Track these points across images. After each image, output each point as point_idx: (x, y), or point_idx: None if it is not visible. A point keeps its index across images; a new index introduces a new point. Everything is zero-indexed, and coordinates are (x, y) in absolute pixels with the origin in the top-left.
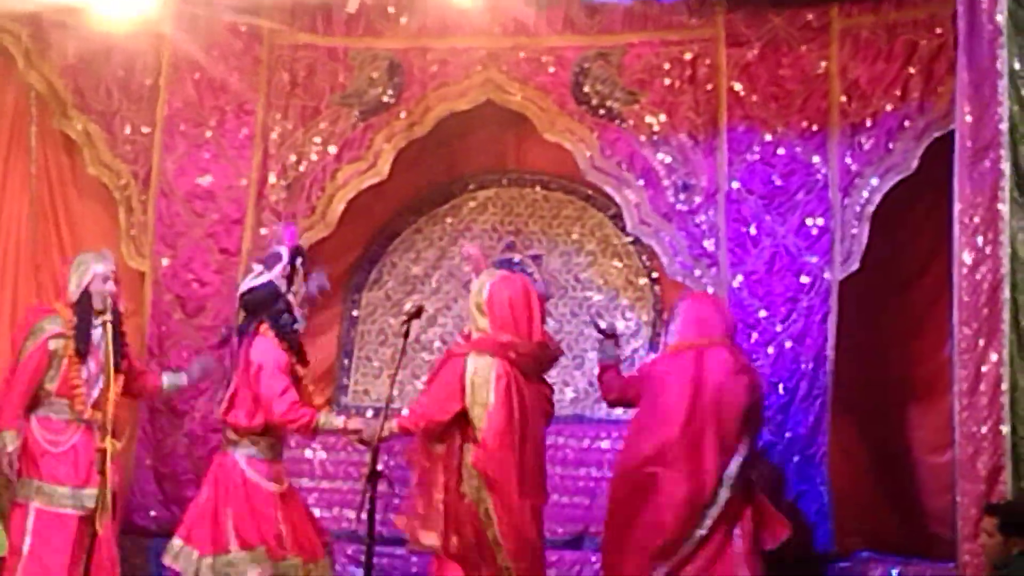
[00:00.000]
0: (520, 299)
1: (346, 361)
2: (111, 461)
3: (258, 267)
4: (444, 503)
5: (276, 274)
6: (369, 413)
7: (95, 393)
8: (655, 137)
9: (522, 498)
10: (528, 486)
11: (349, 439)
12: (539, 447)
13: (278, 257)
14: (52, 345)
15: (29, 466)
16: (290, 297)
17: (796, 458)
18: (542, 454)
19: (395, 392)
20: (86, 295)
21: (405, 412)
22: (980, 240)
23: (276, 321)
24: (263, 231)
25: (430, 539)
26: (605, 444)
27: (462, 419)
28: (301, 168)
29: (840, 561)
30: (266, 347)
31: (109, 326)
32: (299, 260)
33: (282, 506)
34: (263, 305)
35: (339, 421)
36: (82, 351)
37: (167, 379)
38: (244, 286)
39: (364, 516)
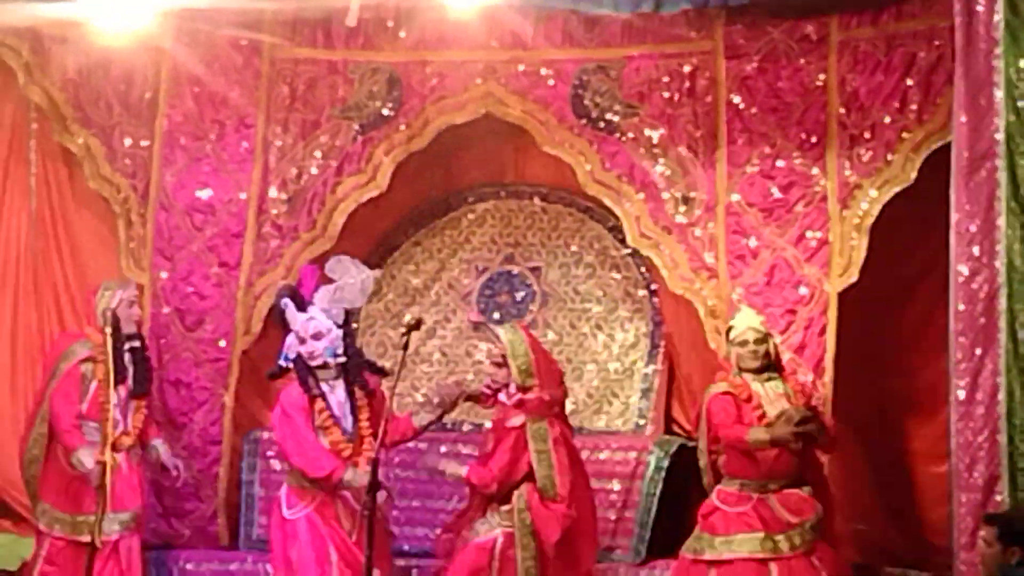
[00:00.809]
0: (550, 358)
1: None
2: (140, 479)
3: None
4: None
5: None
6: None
7: (128, 417)
8: (654, 150)
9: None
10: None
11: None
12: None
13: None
14: (83, 368)
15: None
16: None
17: None
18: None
19: (394, 404)
20: (115, 320)
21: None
22: (976, 250)
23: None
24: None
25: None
26: (604, 455)
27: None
28: (301, 182)
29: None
30: (286, 399)
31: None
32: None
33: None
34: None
35: (364, 476)
36: (117, 375)
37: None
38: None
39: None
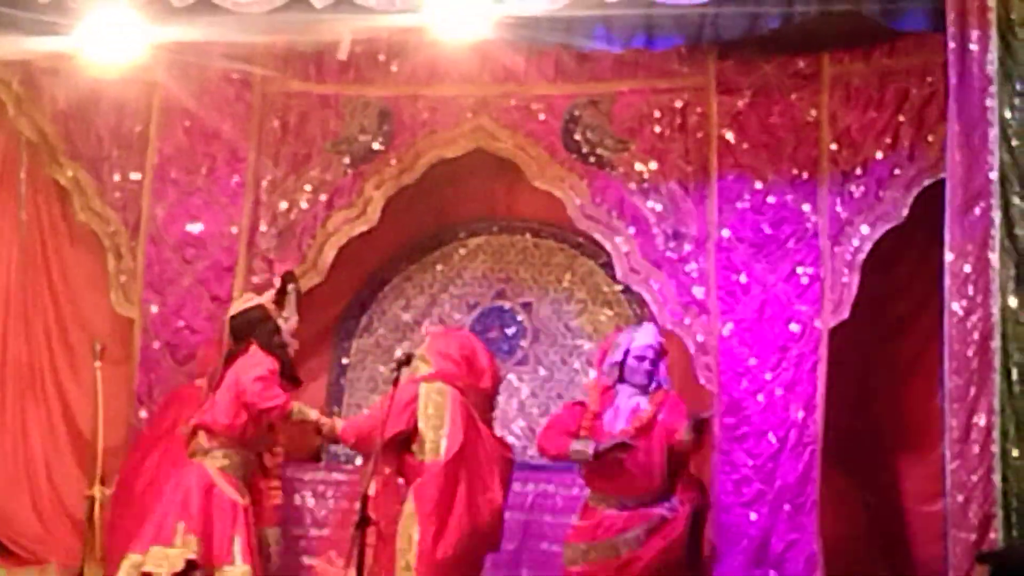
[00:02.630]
0: (457, 348)
1: (336, 408)
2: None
3: (249, 295)
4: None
5: (266, 299)
6: (358, 461)
7: None
8: (645, 185)
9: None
10: (467, 526)
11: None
12: (488, 483)
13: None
14: None
15: None
16: (280, 321)
17: (786, 507)
18: (494, 492)
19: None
20: None
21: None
22: (971, 289)
23: (266, 341)
24: (254, 279)
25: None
26: None
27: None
28: (292, 216)
29: None
30: (253, 356)
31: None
32: (290, 285)
33: (244, 520)
34: (251, 326)
35: (312, 413)
36: None
37: None
38: (233, 310)
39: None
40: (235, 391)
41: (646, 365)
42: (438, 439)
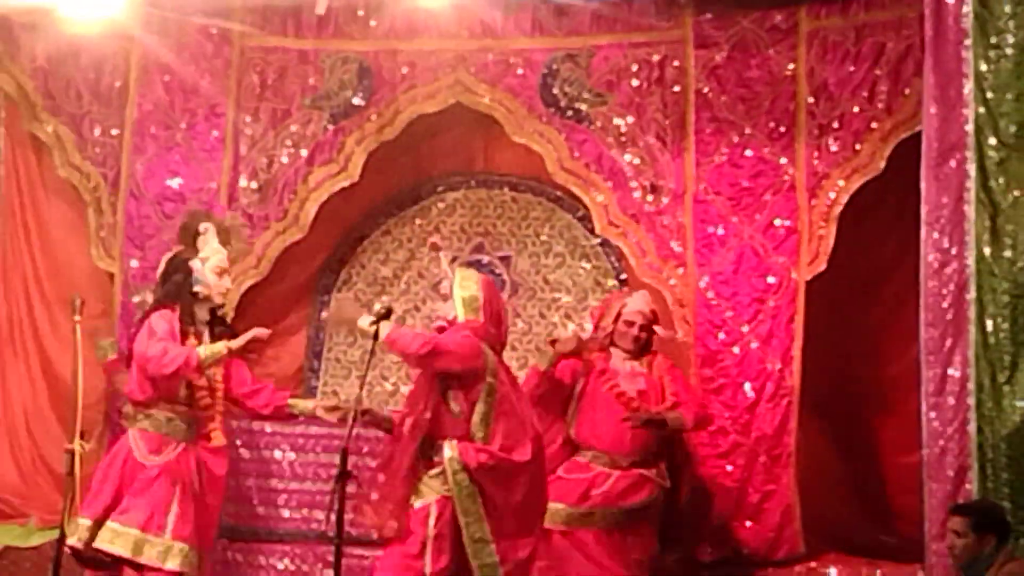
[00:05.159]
0: (499, 299)
1: (315, 362)
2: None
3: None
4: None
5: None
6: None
7: None
8: (623, 139)
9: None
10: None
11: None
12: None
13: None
14: None
15: None
16: (195, 264)
17: (762, 458)
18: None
19: (364, 393)
20: None
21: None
22: (946, 241)
23: (169, 293)
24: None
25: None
26: None
27: (443, 404)
28: (272, 171)
29: (807, 562)
30: (147, 326)
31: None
32: (202, 224)
33: (162, 484)
34: (162, 281)
35: (220, 346)
36: None
37: None
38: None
39: (333, 517)
40: (138, 363)
41: (634, 331)
42: (488, 427)
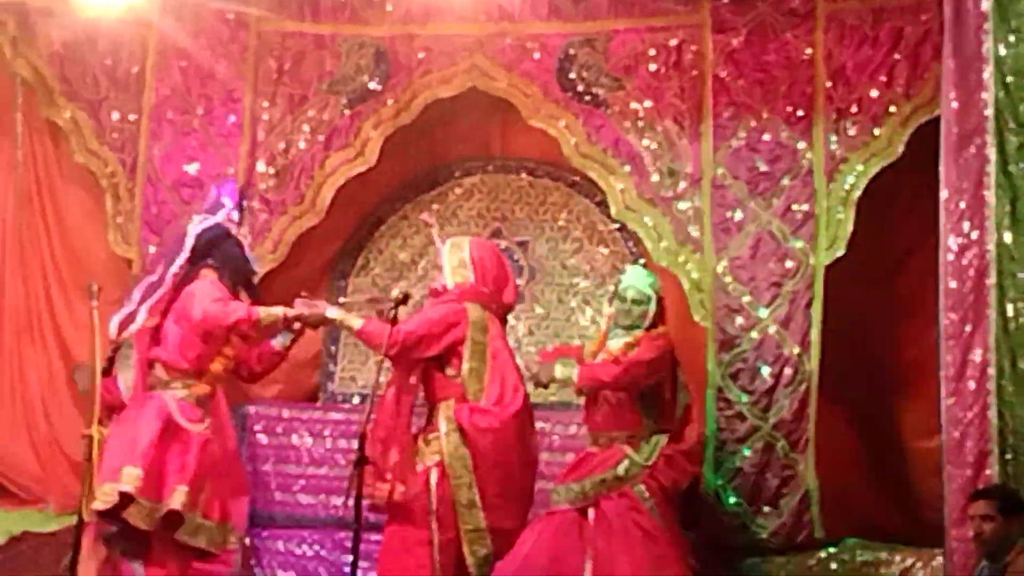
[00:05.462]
0: (495, 259)
1: (333, 348)
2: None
3: (199, 216)
4: (399, 455)
5: (222, 217)
6: (356, 400)
7: None
8: (640, 123)
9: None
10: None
11: (295, 326)
12: (533, 426)
13: (220, 204)
14: None
15: None
16: (240, 238)
17: (781, 443)
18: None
19: (382, 378)
20: None
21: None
22: (966, 226)
23: (228, 259)
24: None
25: (381, 490)
26: None
27: (437, 369)
28: (289, 156)
29: (827, 547)
30: (201, 285)
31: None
32: (244, 202)
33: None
34: (212, 245)
35: (278, 310)
36: None
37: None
38: (191, 232)
39: (351, 502)
40: (188, 325)
41: (627, 305)
42: (482, 381)
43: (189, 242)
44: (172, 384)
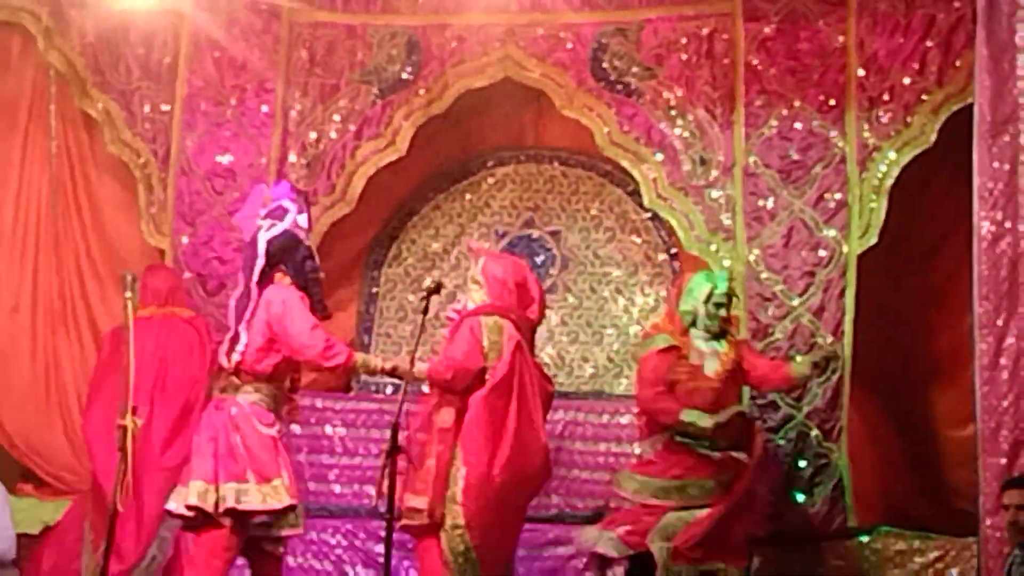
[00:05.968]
0: (511, 274)
1: (365, 338)
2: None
3: (266, 222)
4: (436, 470)
5: (290, 223)
6: (389, 390)
7: None
8: (672, 112)
9: (498, 465)
10: (515, 453)
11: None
12: (534, 417)
13: (284, 209)
14: None
15: None
16: (309, 243)
17: (814, 432)
18: (539, 427)
19: (414, 369)
20: None
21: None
22: (1000, 214)
23: (301, 267)
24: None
25: (417, 501)
26: (624, 419)
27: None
28: (321, 146)
29: (860, 535)
30: (283, 292)
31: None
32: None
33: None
34: (286, 252)
35: (376, 360)
36: None
37: None
38: (262, 240)
39: (384, 492)
40: (269, 335)
41: (723, 312)
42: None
43: (262, 248)
44: (245, 389)
